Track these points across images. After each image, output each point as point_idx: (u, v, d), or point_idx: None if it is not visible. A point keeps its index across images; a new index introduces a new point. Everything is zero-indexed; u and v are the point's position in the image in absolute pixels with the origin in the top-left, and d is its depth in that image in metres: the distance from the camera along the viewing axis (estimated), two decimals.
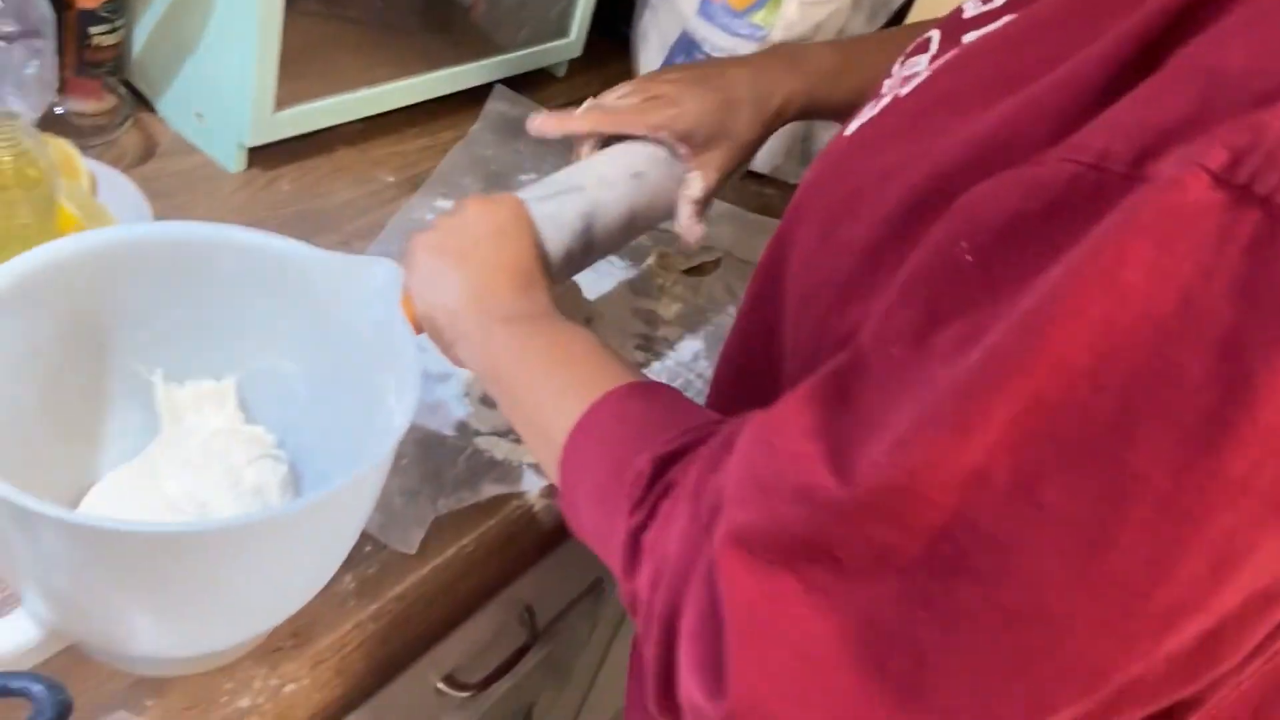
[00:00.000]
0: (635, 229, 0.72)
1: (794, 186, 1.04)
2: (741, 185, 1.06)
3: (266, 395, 0.60)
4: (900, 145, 0.43)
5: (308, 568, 0.52)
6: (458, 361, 0.59)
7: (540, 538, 0.72)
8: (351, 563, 0.61)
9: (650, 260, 0.93)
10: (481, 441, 0.71)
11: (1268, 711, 0.44)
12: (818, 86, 0.75)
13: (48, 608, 0.48)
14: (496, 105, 1.03)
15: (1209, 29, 0.32)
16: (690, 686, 0.39)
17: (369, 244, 0.83)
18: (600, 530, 0.48)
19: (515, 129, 1.03)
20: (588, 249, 0.67)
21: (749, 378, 0.56)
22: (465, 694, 0.75)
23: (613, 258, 0.91)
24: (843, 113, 0.68)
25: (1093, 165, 0.31)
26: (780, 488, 0.37)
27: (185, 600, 0.47)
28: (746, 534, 0.37)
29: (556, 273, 0.65)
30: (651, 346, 0.84)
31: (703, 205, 0.73)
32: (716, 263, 0.96)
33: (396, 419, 0.50)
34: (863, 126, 0.48)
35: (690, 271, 0.93)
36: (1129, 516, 0.31)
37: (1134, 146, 0.30)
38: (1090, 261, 0.30)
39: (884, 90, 0.50)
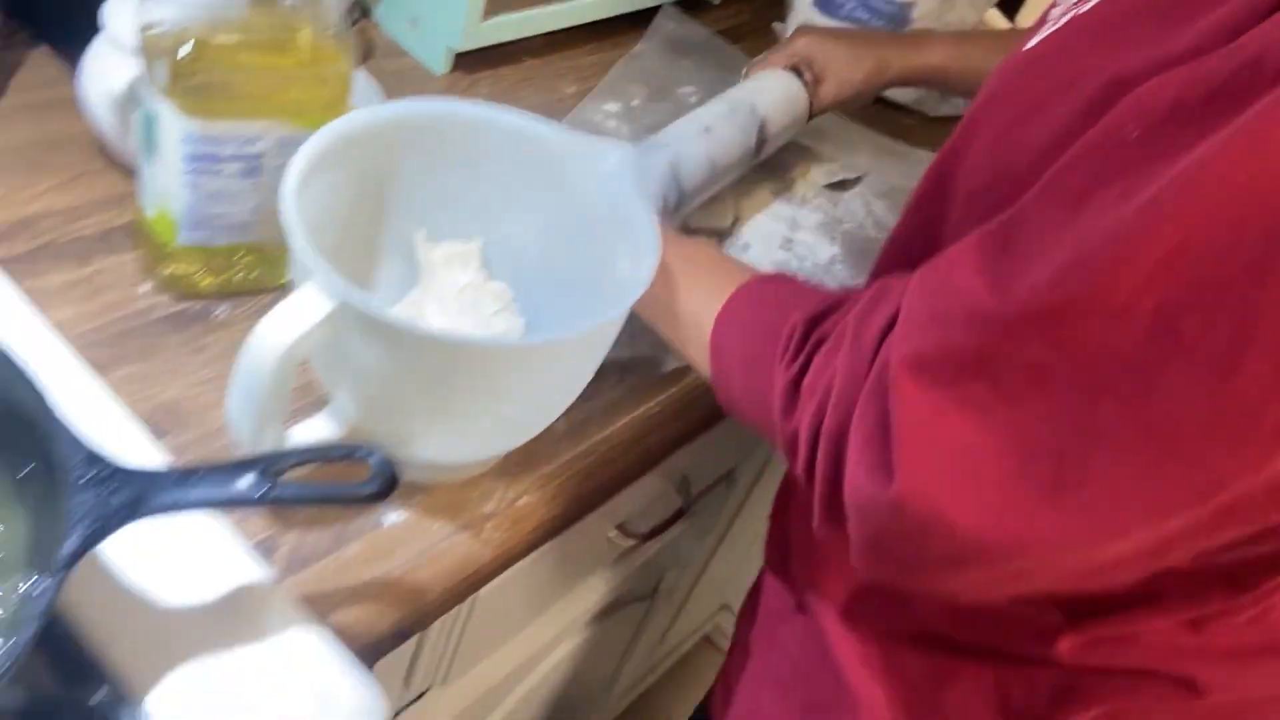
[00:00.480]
0: (715, 175, 0.84)
1: (933, 119, 1.13)
2: (884, 113, 1.13)
3: (506, 257, 0.70)
4: (1085, 57, 0.46)
5: (560, 390, 0.62)
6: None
7: (705, 413, 0.82)
8: (568, 411, 0.71)
9: (795, 173, 1.01)
10: None
11: None
12: (919, 76, 0.92)
13: (355, 407, 0.58)
14: (664, 24, 1.12)
15: None
16: (859, 484, 0.44)
17: None
18: (755, 390, 0.54)
19: (679, 46, 1.11)
20: (681, 195, 0.79)
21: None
22: (630, 542, 0.86)
23: (761, 170, 0.99)
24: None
25: (1248, 64, 0.36)
26: (950, 314, 0.42)
27: (467, 409, 0.58)
28: (919, 356, 0.42)
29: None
30: (792, 248, 0.93)
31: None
32: (856, 180, 1.04)
33: (642, 272, 0.59)
34: (1042, 42, 0.53)
35: (831, 187, 1.02)
36: (1254, 348, 0.35)
37: None
38: (1240, 134, 0.34)
39: (1055, 13, 0.54)
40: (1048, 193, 0.43)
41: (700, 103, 0.91)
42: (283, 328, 0.51)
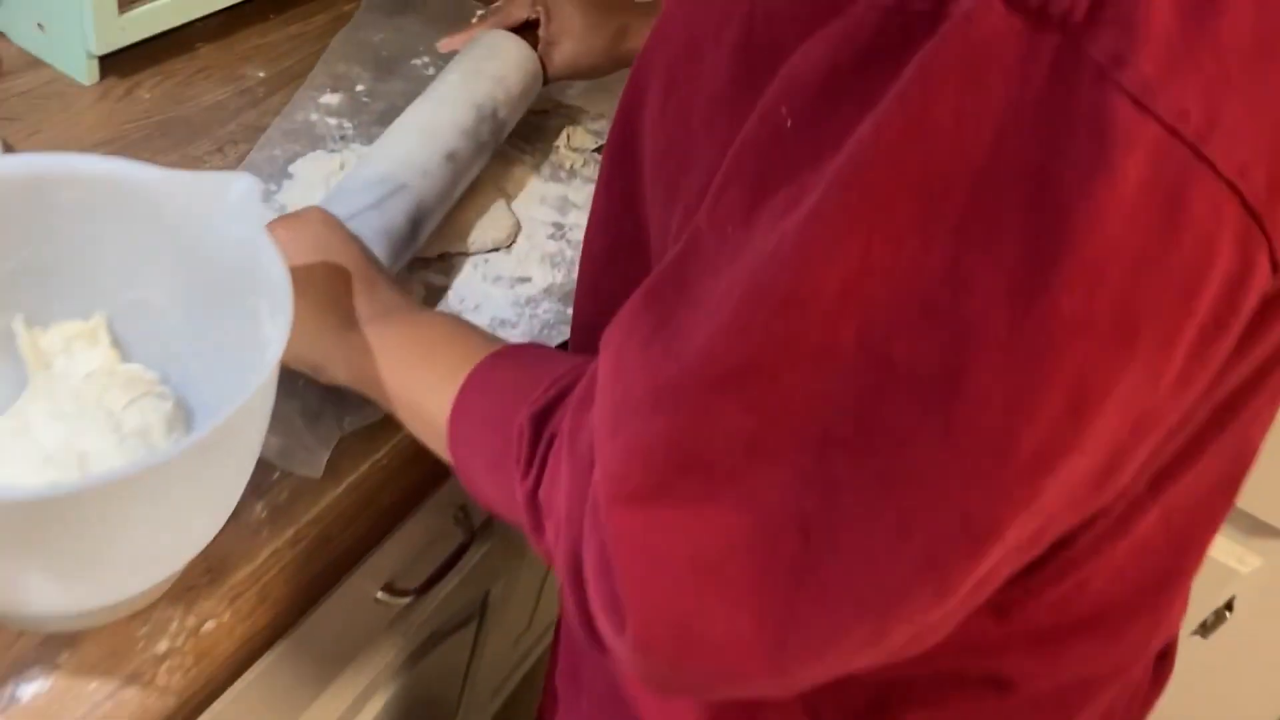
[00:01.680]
0: (451, 202, 0.74)
1: None
2: None
3: (142, 329, 0.57)
4: None
5: (203, 507, 0.50)
6: (334, 382, 0.57)
7: None
8: (261, 490, 0.59)
9: (559, 142, 0.88)
10: None
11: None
12: None
13: None
14: None
15: None
16: (603, 626, 0.39)
17: (250, 148, 0.78)
18: (503, 498, 0.47)
19: (400, 5, 0.96)
20: (415, 236, 0.70)
21: (617, 258, 0.54)
22: (407, 599, 0.75)
23: (520, 142, 0.87)
24: None
25: (895, 7, 0.30)
26: (635, 405, 0.36)
27: (77, 558, 0.45)
28: (617, 470, 0.36)
29: (393, 263, 0.67)
30: (565, 234, 0.81)
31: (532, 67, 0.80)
32: None
33: (272, 344, 0.47)
34: None
35: (601, 150, 0.89)
36: (976, 365, 0.30)
37: None
38: (898, 111, 0.29)
39: None
40: (715, 215, 0.35)
41: (437, 75, 0.78)
42: None
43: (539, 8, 0.81)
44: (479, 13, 0.89)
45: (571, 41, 0.81)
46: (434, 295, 0.73)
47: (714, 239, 0.35)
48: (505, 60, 0.78)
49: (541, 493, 0.43)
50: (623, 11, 0.83)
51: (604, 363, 0.39)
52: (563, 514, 0.41)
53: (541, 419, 0.44)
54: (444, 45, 0.83)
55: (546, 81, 0.83)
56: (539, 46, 0.81)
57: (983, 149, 0.29)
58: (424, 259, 0.75)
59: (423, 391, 0.52)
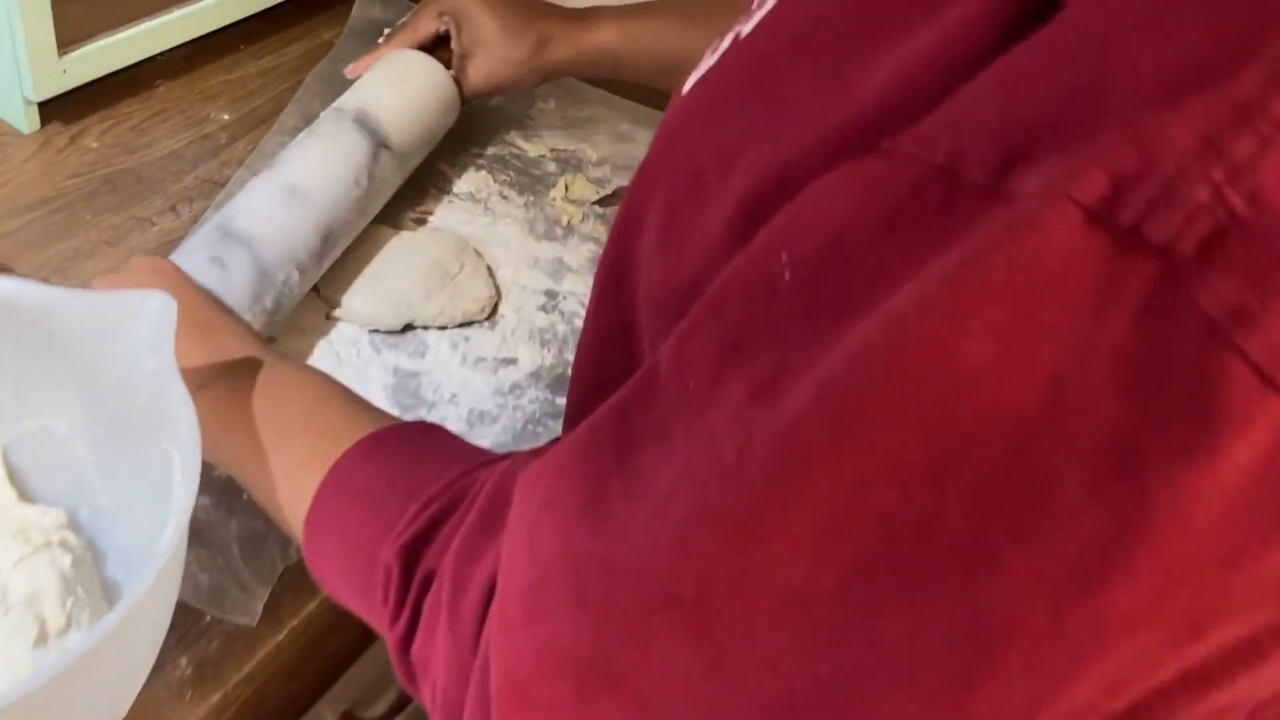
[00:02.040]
0: (332, 238, 0.65)
1: None
2: None
3: (46, 459, 0.49)
4: (744, 111, 0.34)
5: (104, 694, 0.42)
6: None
7: None
8: (187, 640, 0.51)
9: (555, 193, 0.79)
10: None
11: None
12: (588, 59, 0.75)
13: None
14: (366, 9, 0.87)
15: None
16: None
17: (206, 205, 0.70)
18: (372, 623, 0.41)
19: (384, 34, 0.87)
20: (282, 291, 0.61)
21: (609, 390, 0.46)
22: None
23: (510, 194, 0.78)
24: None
25: (942, 167, 0.24)
26: (554, 600, 0.30)
27: None
28: (526, 671, 0.31)
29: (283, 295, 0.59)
30: (558, 305, 0.72)
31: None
32: None
33: (177, 511, 0.39)
34: (703, 80, 0.38)
35: (604, 202, 0.80)
36: (998, 661, 0.24)
37: (996, 147, 0.23)
38: (921, 320, 0.23)
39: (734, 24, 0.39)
40: (679, 358, 0.29)
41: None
42: None
43: (446, 19, 0.74)
44: (385, 30, 0.80)
45: (486, 54, 0.73)
46: (404, 381, 0.65)
47: (672, 388, 0.29)
48: (412, 83, 0.71)
49: (415, 647, 0.37)
50: (542, 18, 0.75)
51: (519, 523, 0.32)
52: (439, 682, 0.35)
53: (412, 552, 0.38)
54: (350, 71, 0.75)
55: (465, 100, 0.75)
56: (453, 61, 0.74)
57: (1034, 396, 0.22)
58: (388, 333, 0.67)
59: (275, 478, 0.45)
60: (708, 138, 0.35)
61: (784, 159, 0.31)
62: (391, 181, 0.69)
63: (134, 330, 0.44)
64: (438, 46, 0.75)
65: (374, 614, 0.40)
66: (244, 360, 0.49)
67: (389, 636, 0.38)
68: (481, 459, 0.40)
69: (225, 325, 0.51)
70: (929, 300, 0.23)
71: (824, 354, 0.25)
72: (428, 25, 0.74)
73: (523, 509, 0.32)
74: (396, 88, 0.69)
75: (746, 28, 0.36)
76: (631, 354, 0.44)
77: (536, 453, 0.37)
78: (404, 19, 0.77)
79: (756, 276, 0.28)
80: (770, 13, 0.35)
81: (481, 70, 0.73)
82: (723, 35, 0.39)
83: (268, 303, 0.58)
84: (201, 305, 0.52)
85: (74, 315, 0.45)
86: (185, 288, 0.53)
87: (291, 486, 0.43)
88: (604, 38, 0.74)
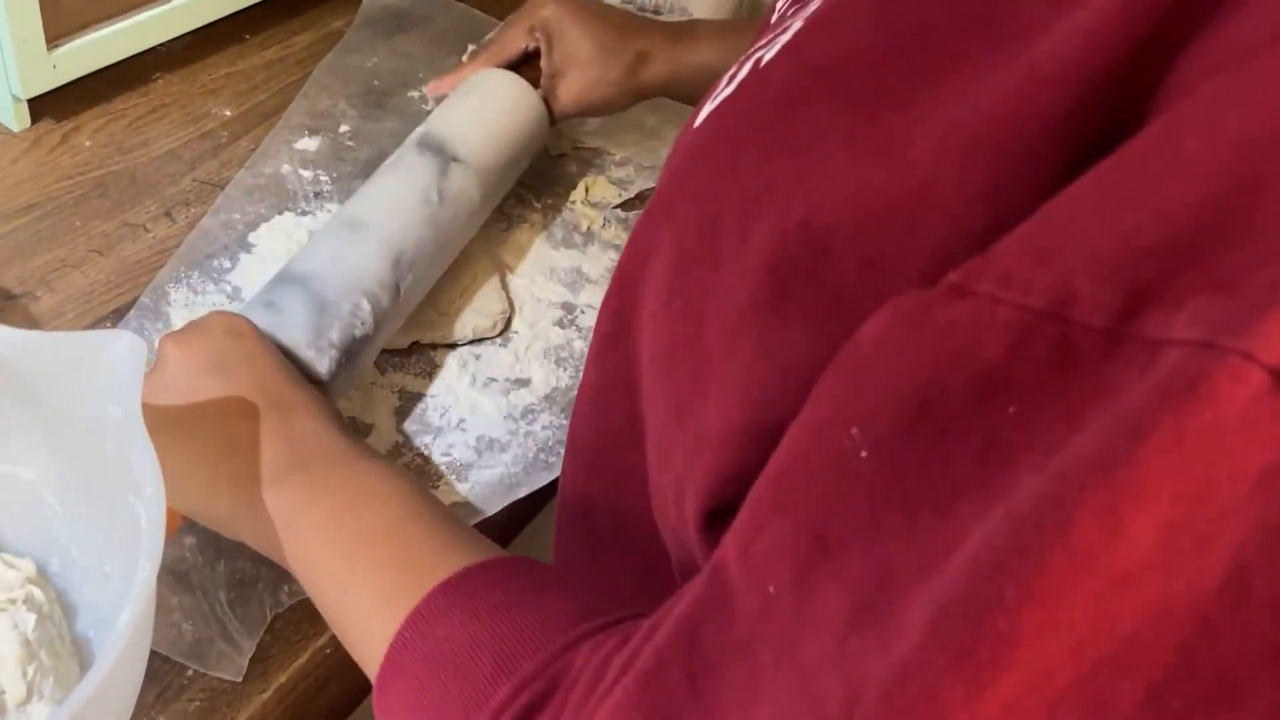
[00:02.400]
0: (447, 257, 0.62)
1: None
2: None
3: (13, 507, 0.45)
4: (767, 155, 0.30)
5: None
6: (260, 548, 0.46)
7: None
8: (165, 699, 0.48)
9: (575, 196, 0.75)
10: None
11: None
12: (688, 79, 0.69)
13: None
14: None
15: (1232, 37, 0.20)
16: None
17: (203, 210, 0.66)
18: None
19: (400, 22, 0.82)
20: (401, 283, 0.57)
21: (610, 448, 0.41)
22: None
23: (524, 193, 0.73)
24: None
25: (1047, 313, 0.20)
26: None
27: None
28: None
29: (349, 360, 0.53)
30: (574, 320, 0.68)
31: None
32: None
33: (136, 581, 0.35)
34: (718, 112, 0.33)
35: (627, 206, 0.75)
36: None
37: (1115, 284, 0.19)
38: (1065, 519, 0.19)
39: (753, 48, 0.35)
40: (751, 559, 0.25)
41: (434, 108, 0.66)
42: None
43: (538, 35, 0.68)
44: (470, 48, 0.75)
45: (579, 72, 0.68)
46: (408, 404, 0.61)
47: (750, 599, 0.25)
48: (494, 106, 0.65)
49: None
50: (641, 34, 0.69)
51: None
52: None
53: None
54: (431, 89, 0.71)
55: (554, 122, 0.70)
56: (542, 81, 0.69)
57: (1208, 591, 0.18)
58: (394, 351, 0.63)
59: (349, 604, 0.41)
60: (723, 183, 0.31)
61: (818, 220, 0.27)
62: (473, 196, 0.63)
63: (100, 373, 0.40)
64: (524, 64, 0.69)
65: None
66: (323, 452, 0.44)
67: None
68: (580, 624, 0.34)
69: (304, 404, 0.46)
70: (1067, 492, 0.19)
71: (931, 558, 0.21)
72: (516, 42, 0.68)
73: None
74: (476, 113, 0.64)
75: (768, 54, 0.31)
76: (633, 409, 0.40)
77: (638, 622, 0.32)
78: (489, 35, 0.71)
79: (823, 458, 0.24)
80: (795, 37, 0.31)
81: (573, 90, 0.68)
82: (741, 61, 0.34)
83: (334, 336, 0.52)
84: (277, 378, 0.47)
85: (39, 359, 0.41)
86: (263, 354, 0.48)
87: (364, 619, 0.39)
88: (707, 56, 0.68)
